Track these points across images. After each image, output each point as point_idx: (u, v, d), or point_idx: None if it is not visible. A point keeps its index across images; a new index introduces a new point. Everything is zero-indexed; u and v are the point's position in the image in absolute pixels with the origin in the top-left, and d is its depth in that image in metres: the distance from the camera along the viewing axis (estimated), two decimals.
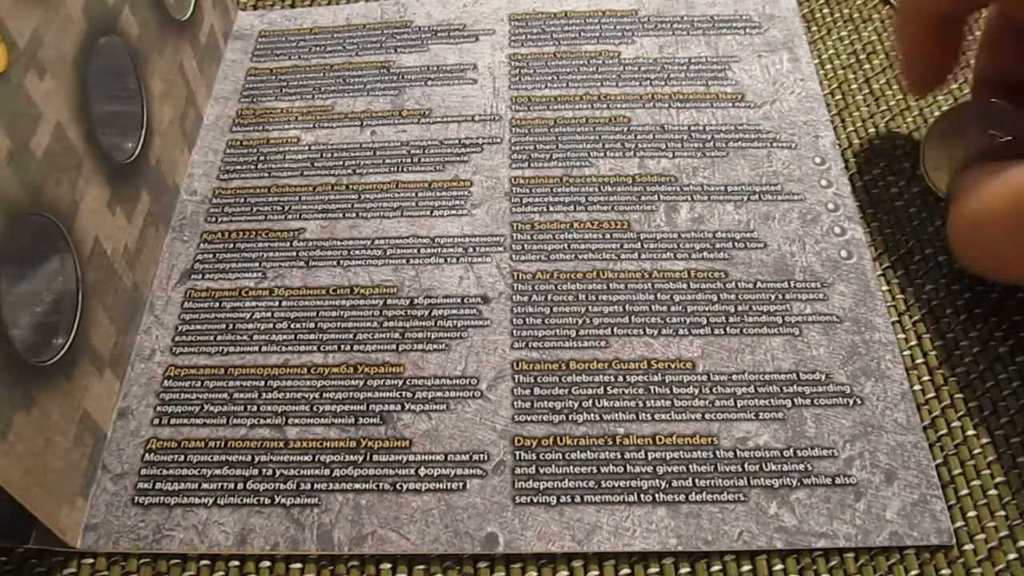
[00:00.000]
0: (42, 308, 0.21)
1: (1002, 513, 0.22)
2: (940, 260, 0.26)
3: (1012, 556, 0.21)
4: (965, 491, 0.22)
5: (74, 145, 0.21)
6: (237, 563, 0.22)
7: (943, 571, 0.21)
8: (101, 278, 0.23)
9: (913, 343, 0.25)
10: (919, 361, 0.25)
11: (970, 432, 0.23)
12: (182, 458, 0.23)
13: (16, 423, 0.19)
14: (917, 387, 0.24)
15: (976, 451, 0.23)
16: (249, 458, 0.23)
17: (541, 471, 0.23)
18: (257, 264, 0.27)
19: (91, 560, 0.22)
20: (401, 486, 0.23)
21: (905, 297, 0.26)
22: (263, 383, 0.25)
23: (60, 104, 0.21)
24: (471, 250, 0.27)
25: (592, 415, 0.24)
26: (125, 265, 0.25)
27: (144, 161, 0.26)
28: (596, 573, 0.21)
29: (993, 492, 0.22)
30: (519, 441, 0.23)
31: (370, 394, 0.24)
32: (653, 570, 0.21)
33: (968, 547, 0.21)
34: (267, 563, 0.22)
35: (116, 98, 0.25)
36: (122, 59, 0.25)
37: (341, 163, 0.30)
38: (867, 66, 0.32)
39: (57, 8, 0.21)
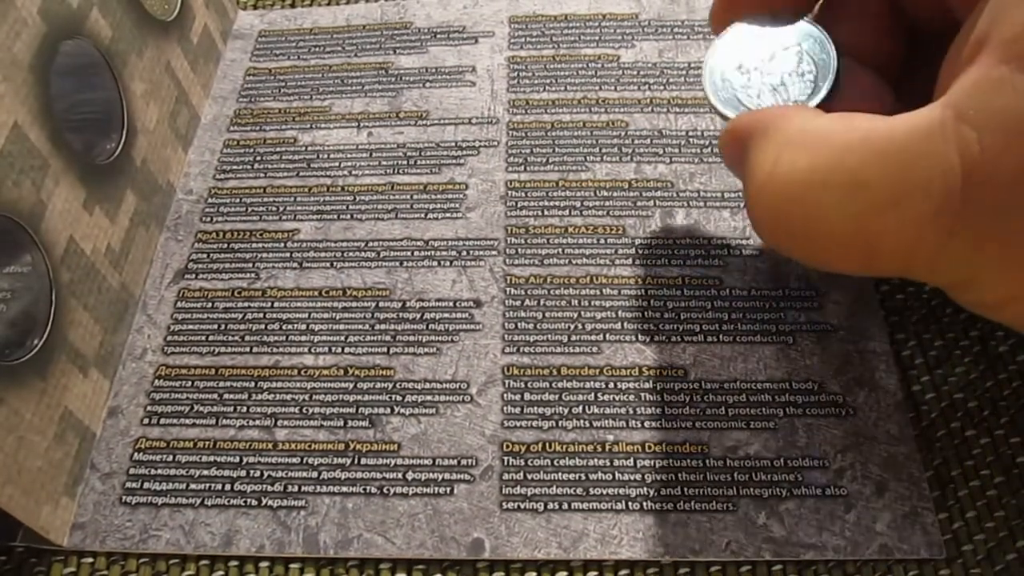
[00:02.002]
0: (12, 308, 0.21)
1: (1001, 513, 0.22)
2: None
3: (1011, 556, 0.21)
4: (964, 491, 0.22)
5: (36, 146, 0.22)
6: (236, 563, 0.22)
7: (942, 571, 0.21)
8: (79, 277, 0.23)
9: (913, 343, 0.25)
10: (919, 361, 0.24)
11: (970, 432, 0.23)
12: (170, 458, 0.23)
13: None
14: (916, 387, 0.24)
15: (976, 451, 0.23)
16: (237, 459, 0.23)
17: (529, 477, 0.23)
18: (251, 265, 0.27)
19: (90, 559, 0.22)
20: (388, 490, 0.23)
21: (905, 296, 0.26)
22: (253, 384, 0.25)
23: (16, 106, 0.21)
24: (465, 253, 0.27)
25: (582, 422, 0.23)
26: (109, 265, 0.25)
27: (127, 161, 0.26)
28: None
29: (993, 492, 0.22)
30: (508, 447, 0.23)
31: (360, 397, 0.24)
32: None
33: (967, 547, 0.21)
34: (266, 563, 0.22)
35: (91, 99, 0.25)
36: (94, 60, 0.25)
37: (337, 164, 0.29)
38: None
39: (6, 12, 0.21)
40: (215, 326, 0.26)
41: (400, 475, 0.23)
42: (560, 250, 0.27)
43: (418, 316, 0.26)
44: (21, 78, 0.21)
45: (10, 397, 0.20)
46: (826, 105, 0.20)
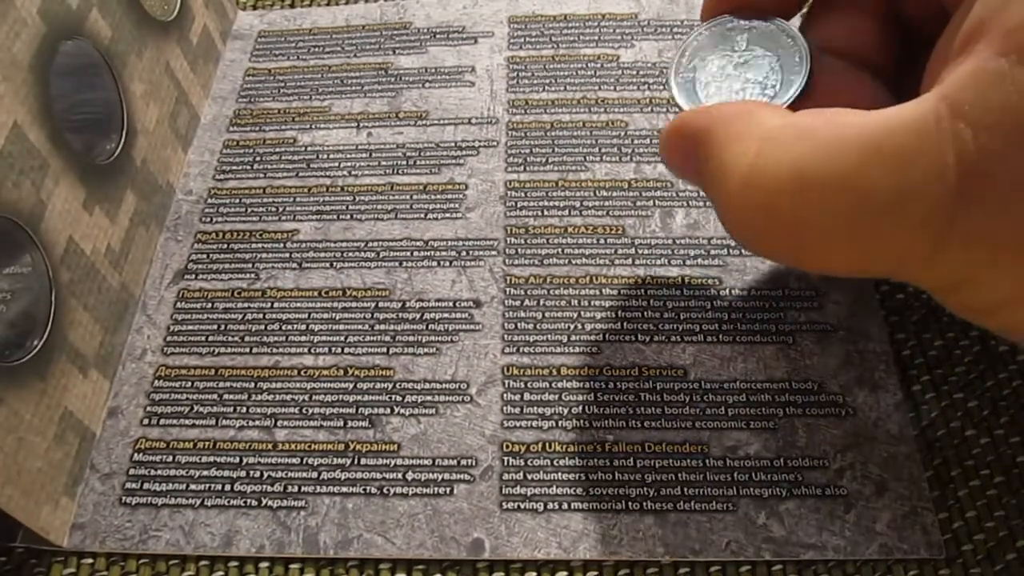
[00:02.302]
0: (11, 308, 0.21)
1: (1001, 513, 0.22)
2: None
3: (1011, 556, 0.21)
4: (964, 491, 0.22)
5: (36, 146, 0.22)
6: (236, 563, 0.22)
7: (942, 571, 0.21)
8: (79, 278, 0.23)
9: (913, 343, 0.25)
10: (919, 360, 0.24)
11: (969, 432, 0.23)
12: (170, 459, 0.23)
13: None
14: (916, 387, 0.24)
15: (976, 451, 0.23)
16: (237, 460, 0.23)
17: (529, 477, 0.23)
18: (250, 265, 0.27)
19: (90, 560, 0.22)
20: (388, 490, 0.23)
21: (905, 296, 0.26)
22: (253, 384, 0.25)
23: (16, 106, 0.21)
24: (464, 254, 0.27)
25: (582, 422, 0.23)
26: (109, 265, 0.25)
27: (127, 161, 0.26)
28: None
29: (993, 492, 0.22)
30: (507, 447, 0.23)
31: (359, 397, 0.24)
32: None
33: (967, 547, 0.21)
34: (266, 564, 0.22)
35: (91, 99, 0.25)
36: (94, 61, 0.25)
37: (336, 164, 0.29)
38: None
39: (5, 12, 0.21)
40: (215, 326, 0.26)
41: (400, 475, 0.23)
42: (560, 250, 0.27)
43: (418, 316, 0.26)
44: (21, 78, 0.21)
45: (10, 398, 0.20)
46: (793, 107, 0.20)
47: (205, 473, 0.23)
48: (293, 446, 0.23)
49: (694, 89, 0.21)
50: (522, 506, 0.22)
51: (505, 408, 0.24)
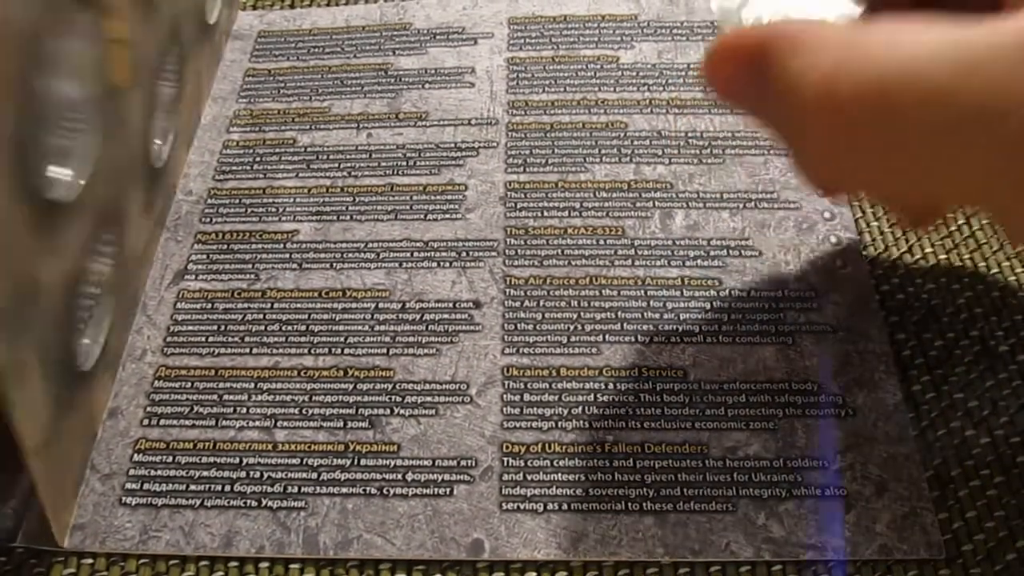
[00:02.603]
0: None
1: (1001, 513, 0.22)
2: (940, 259, 0.26)
3: (1011, 556, 0.21)
4: (964, 491, 0.22)
5: (137, 153, 0.22)
6: (236, 564, 0.22)
7: (942, 571, 0.21)
8: (121, 280, 0.24)
9: (913, 343, 0.25)
10: (919, 360, 0.24)
11: (969, 432, 0.23)
12: (170, 459, 0.23)
13: (64, 429, 0.19)
14: (916, 387, 0.24)
15: (976, 451, 0.23)
16: (237, 460, 0.23)
17: (529, 478, 0.23)
18: (250, 266, 0.27)
19: (90, 560, 0.22)
20: (388, 491, 0.23)
21: (905, 296, 0.26)
22: (253, 385, 0.25)
23: (141, 110, 0.21)
24: (464, 254, 0.27)
25: (581, 422, 0.23)
26: (135, 266, 0.25)
27: (164, 162, 0.27)
28: None
29: (993, 492, 0.22)
30: (507, 447, 0.23)
31: (359, 398, 0.24)
32: None
33: (967, 547, 0.21)
34: (265, 564, 0.22)
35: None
36: (174, 66, 0.26)
37: (336, 165, 0.30)
38: None
39: (159, 22, 0.21)
40: (215, 327, 0.26)
41: (400, 476, 0.23)
42: (559, 251, 0.27)
43: (418, 317, 0.26)
44: (147, 84, 0.22)
45: (78, 403, 0.20)
46: None
47: (205, 474, 0.23)
48: (293, 447, 0.23)
49: (738, 12, 0.20)
50: (522, 507, 0.22)
51: (505, 409, 0.24)
